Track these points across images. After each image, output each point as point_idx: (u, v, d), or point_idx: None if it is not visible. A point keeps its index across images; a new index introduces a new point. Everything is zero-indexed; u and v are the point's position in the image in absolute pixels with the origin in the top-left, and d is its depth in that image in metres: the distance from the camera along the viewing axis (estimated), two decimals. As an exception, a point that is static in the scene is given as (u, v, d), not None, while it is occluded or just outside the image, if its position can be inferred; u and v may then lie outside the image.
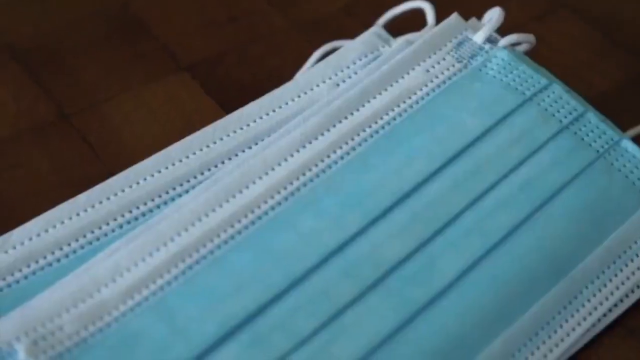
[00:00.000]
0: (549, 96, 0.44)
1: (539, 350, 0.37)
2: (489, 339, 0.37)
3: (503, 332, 0.37)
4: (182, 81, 0.49)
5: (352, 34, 0.50)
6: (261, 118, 0.44)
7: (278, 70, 0.50)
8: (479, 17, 0.48)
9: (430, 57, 0.45)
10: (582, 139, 0.43)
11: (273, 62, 0.51)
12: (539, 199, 0.41)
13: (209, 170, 0.42)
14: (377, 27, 0.47)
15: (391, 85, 0.44)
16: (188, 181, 0.41)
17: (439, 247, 0.39)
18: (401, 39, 0.47)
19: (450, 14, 0.47)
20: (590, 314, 0.39)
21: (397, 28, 0.48)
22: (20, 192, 0.44)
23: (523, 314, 0.38)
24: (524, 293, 0.39)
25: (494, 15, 0.46)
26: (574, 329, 0.38)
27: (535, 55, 0.47)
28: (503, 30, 0.46)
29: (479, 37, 0.45)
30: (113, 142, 0.46)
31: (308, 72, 0.46)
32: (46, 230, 0.39)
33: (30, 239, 0.39)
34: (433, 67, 0.44)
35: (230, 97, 0.48)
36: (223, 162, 0.42)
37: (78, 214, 0.40)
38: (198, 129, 0.43)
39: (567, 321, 0.38)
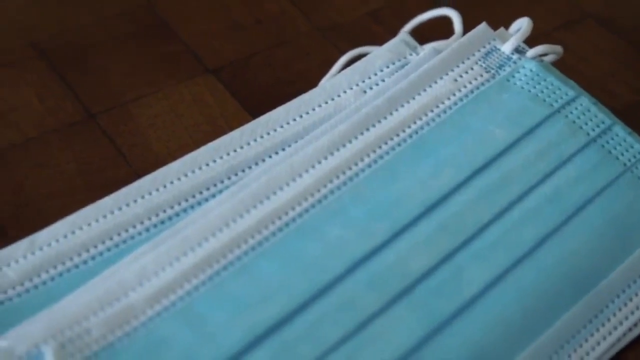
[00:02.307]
0: (576, 108, 0.43)
1: None
2: (515, 352, 0.37)
3: (528, 345, 0.37)
4: (208, 84, 0.49)
5: (377, 40, 0.50)
6: (288, 123, 0.44)
7: (304, 75, 0.50)
8: (505, 25, 0.47)
9: (458, 66, 0.45)
10: (610, 152, 0.42)
11: (299, 66, 0.51)
12: (565, 212, 0.41)
13: (236, 175, 0.42)
14: (405, 34, 0.47)
15: (419, 94, 0.44)
16: (215, 185, 0.41)
17: (465, 259, 0.39)
18: (429, 47, 0.46)
19: (475, 22, 0.47)
20: (615, 328, 0.39)
21: (422, 35, 0.48)
22: (46, 193, 0.44)
23: (548, 328, 0.38)
24: (549, 307, 0.38)
25: (522, 26, 0.46)
26: (599, 343, 0.38)
27: (560, 64, 0.47)
28: (528, 38, 0.46)
29: (507, 47, 0.45)
30: (139, 144, 0.46)
31: (335, 78, 0.46)
32: (73, 232, 0.39)
33: (57, 240, 0.39)
34: (461, 76, 0.44)
35: (256, 101, 0.48)
36: (250, 167, 0.42)
37: (104, 216, 0.40)
38: (224, 132, 0.43)
39: (592, 335, 0.38)
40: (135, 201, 0.40)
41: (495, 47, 0.45)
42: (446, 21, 0.49)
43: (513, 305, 0.38)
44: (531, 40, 0.47)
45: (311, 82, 0.48)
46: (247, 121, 0.44)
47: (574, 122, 0.43)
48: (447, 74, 0.44)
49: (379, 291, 0.37)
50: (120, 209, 0.40)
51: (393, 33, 0.50)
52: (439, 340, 0.36)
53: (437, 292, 0.37)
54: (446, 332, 0.37)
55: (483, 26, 0.46)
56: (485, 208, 0.40)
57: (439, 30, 0.49)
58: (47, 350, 0.34)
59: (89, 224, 0.39)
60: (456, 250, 0.39)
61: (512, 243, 0.39)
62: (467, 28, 0.48)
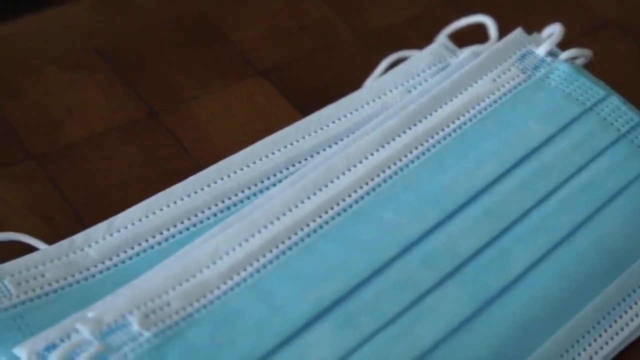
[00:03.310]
0: (607, 106, 0.47)
1: (601, 338, 0.41)
2: (556, 325, 0.40)
3: (568, 320, 0.41)
4: (259, 85, 0.52)
5: (414, 45, 0.53)
6: (339, 119, 0.47)
7: (346, 77, 0.53)
8: (533, 31, 0.51)
9: (496, 67, 0.48)
10: (639, 147, 0.46)
11: (341, 69, 0.54)
12: (598, 200, 0.44)
13: (293, 165, 0.45)
14: (445, 39, 0.51)
15: (461, 93, 0.47)
16: (274, 175, 0.45)
17: (510, 241, 0.42)
18: (467, 51, 0.50)
19: (504, 29, 0.51)
20: (647, 306, 0.42)
21: (458, 40, 0.52)
22: (115, 183, 0.47)
23: (585, 305, 0.41)
24: (586, 286, 0.42)
25: (555, 31, 0.49)
26: (632, 320, 0.42)
27: (585, 68, 0.50)
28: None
29: (541, 51, 0.49)
30: (199, 139, 0.49)
31: (381, 78, 0.49)
32: (147, 216, 0.42)
33: (133, 223, 0.42)
34: (499, 77, 0.48)
35: (304, 101, 0.52)
36: (306, 159, 0.45)
37: (175, 202, 0.43)
38: (276, 129, 0.47)
39: (626, 312, 0.42)
40: (202, 189, 0.44)
41: (530, 50, 0.49)
42: (477, 28, 0.52)
43: (553, 284, 0.41)
44: (558, 46, 0.50)
45: (354, 84, 0.51)
46: (297, 119, 0.48)
47: (605, 119, 0.47)
48: (486, 75, 0.48)
49: (432, 269, 0.40)
50: (189, 195, 0.43)
51: (427, 38, 0.53)
52: (487, 314, 0.40)
53: (485, 271, 0.41)
54: (494, 306, 0.40)
55: (519, 31, 0.50)
56: (526, 196, 0.43)
57: (472, 35, 0.52)
58: (132, 319, 0.37)
59: (162, 209, 0.43)
60: (501, 234, 0.42)
61: (551, 228, 0.43)
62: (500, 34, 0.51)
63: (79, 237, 0.41)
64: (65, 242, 0.41)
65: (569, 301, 0.41)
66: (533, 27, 0.52)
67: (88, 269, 0.41)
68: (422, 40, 0.54)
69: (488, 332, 0.39)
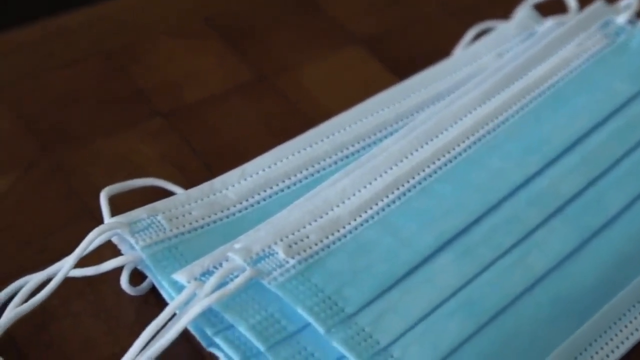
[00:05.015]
0: (685, 68, 0.52)
1: None
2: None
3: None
4: (357, 52, 0.57)
5: (493, 18, 0.58)
6: (439, 81, 0.52)
7: (435, 46, 0.58)
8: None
9: (581, 34, 0.53)
10: None
11: (430, 39, 0.59)
12: (682, 151, 0.48)
13: (402, 120, 0.50)
14: (530, 10, 0.55)
15: (551, 56, 0.51)
16: (386, 129, 0.49)
17: (605, 185, 0.46)
18: (551, 20, 0.55)
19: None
20: None
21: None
22: (236, 137, 0.51)
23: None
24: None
25: (632, 1, 0.54)
26: None
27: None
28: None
29: (621, 19, 0.53)
30: (306, 101, 0.54)
31: (474, 45, 0.54)
32: (275, 164, 0.47)
33: (263, 170, 0.47)
34: (585, 42, 0.52)
35: (399, 67, 0.56)
36: (412, 115, 0.50)
37: (299, 152, 0.47)
38: (375, 91, 0.51)
39: None
40: (322, 140, 0.48)
41: (611, 19, 0.54)
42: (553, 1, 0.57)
43: (647, 223, 0.46)
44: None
45: (443, 52, 0.56)
46: (393, 83, 0.52)
47: (683, 79, 0.51)
48: (573, 40, 0.52)
49: (538, 208, 0.45)
50: (311, 145, 0.48)
51: (505, 12, 0.58)
52: (591, 246, 0.44)
53: (586, 210, 0.45)
54: (597, 240, 0.44)
55: (600, 2, 0.54)
56: (616, 145, 0.48)
57: (550, 8, 0.57)
58: (278, 248, 0.41)
59: (287, 158, 0.47)
60: (597, 178, 0.46)
61: (640, 174, 0.47)
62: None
63: (217, 182, 0.46)
64: (205, 185, 0.46)
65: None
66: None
67: (228, 208, 0.45)
68: (500, 13, 0.58)
69: (592, 262, 0.44)
